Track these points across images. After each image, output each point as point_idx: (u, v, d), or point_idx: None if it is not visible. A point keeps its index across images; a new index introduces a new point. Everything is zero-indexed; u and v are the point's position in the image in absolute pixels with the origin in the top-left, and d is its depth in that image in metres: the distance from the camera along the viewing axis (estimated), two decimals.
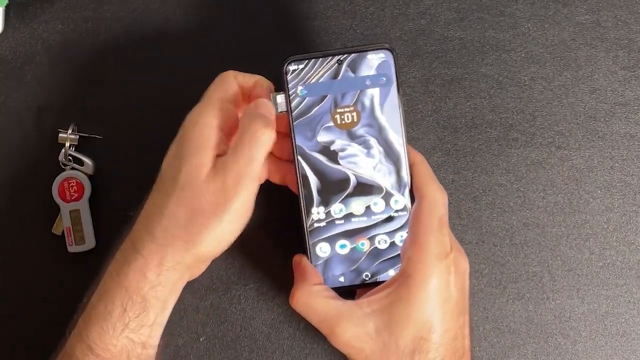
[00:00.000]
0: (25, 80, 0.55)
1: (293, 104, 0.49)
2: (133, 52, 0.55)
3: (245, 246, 0.53)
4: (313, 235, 0.49)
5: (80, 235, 0.52)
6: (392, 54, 0.49)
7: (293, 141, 0.49)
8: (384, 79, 0.49)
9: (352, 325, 0.44)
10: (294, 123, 0.49)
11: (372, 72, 0.49)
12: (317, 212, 0.49)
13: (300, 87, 0.49)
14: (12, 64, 0.55)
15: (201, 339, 0.52)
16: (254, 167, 0.43)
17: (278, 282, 0.53)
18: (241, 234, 0.52)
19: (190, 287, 0.53)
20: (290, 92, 0.49)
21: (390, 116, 0.49)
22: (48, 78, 0.55)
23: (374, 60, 0.49)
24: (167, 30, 0.56)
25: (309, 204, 0.49)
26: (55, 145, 0.53)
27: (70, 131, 0.53)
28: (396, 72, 0.49)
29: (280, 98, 0.48)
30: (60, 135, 0.53)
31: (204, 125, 0.44)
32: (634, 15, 0.56)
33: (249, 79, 0.48)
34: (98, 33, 0.55)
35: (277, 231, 0.53)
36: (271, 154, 0.49)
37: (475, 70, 0.55)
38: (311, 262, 0.49)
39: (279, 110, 0.48)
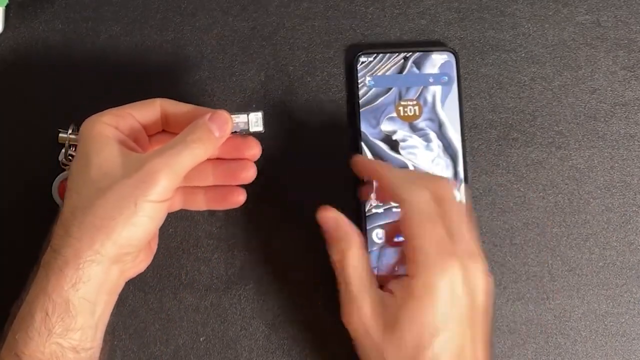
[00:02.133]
0: (26, 80, 0.55)
1: (360, 92, 0.53)
2: (133, 52, 0.55)
3: (245, 246, 0.53)
4: (370, 221, 0.51)
5: None
6: (455, 56, 0.54)
7: (358, 128, 0.53)
8: (446, 78, 0.53)
9: (373, 305, 0.43)
10: (360, 110, 0.53)
11: (436, 70, 0.53)
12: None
13: (368, 78, 0.53)
14: (12, 64, 0.55)
15: (201, 339, 0.52)
16: (177, 170, 0.42)
17: (278, 282, 0.53)
18: (241, 235, 0.52)
19: (190, 287, 0.53)
20: (359, 82, 0.53)
21: (450, 113, 0.53)
22: (48, 78, 0.55)
23: (438, 60, 0.53)
24: (167, 29, 0.56)
25: (369, 189, 0.50)
26: (55, 145, 0.53)
27: (70, 131, 0.53)
28: (458, 73, 0.53)
29: (249, 117, 0.47)
30: (60, 135, 0.53)
31: (101, 122, 0.44)
32: (634, 15, 0.56)
33: (182, 107, 0.47)
34: (98, 33, 0.55)
35: (277, 231, 0.53)
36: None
37: (475, 70, 0.55)
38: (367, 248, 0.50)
39: (240, 129, 0.47)
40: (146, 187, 0.41)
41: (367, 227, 0.51)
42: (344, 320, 0.44)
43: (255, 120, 0.47)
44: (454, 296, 0.41)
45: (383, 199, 0.50)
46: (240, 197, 0.49)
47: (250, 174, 0.49)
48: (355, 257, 0.45)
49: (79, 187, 0.43)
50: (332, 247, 0.46)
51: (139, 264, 0.47)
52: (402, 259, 0.46)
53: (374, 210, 0.51)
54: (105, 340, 0.44)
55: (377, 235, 0.51)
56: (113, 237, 0.41)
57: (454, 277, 0.42)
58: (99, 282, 0.42)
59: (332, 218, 0.46)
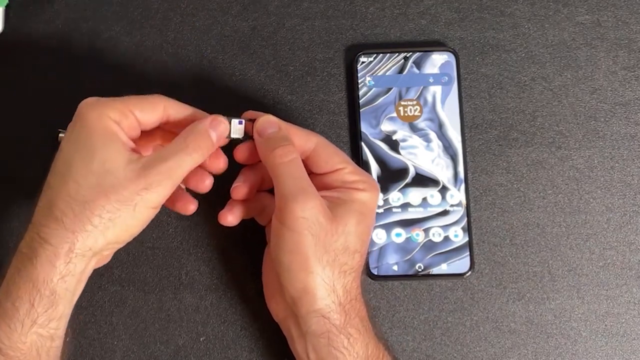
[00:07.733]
0: (25, 80, 0.55)
1: (360, 92, 0.53)
2: (133, 52, 0.55)
3: (245, 246, 0.53)
4: None
5: None
6: (455, 56, 0.54)
7: (358, 128, 0.53)
8: (446, 78, 0.53)
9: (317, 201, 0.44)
10: (360, 110, 0.53)
11: (436, 70, 0.53)
12: None
13: (368, 78, 0.53)
14: (12, 64, 0.55)
15: (201, 339, 0.52)
16: (178, 178, 0.43)
17: None
18: (241, 235, 0.52)
19: (190, 287, 0.53)
20: (359, 82, 0.53)
21: (450, 113, 0.53)
22: (48, 78, 0.55)
23: (438, 60, 0.54)
24: (167, 29, 0.56)
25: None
26: (55, 145, 0.53)
27: None
28: (458, 73, 0.53)
29: (239, 123, 0.47)
30: (60, 135, 0.53)
31: (107, 117, 0.43)
32: (634, 15, 0.56)
33: (183, 110, 0.46)
34: (98, 33, 0.55)
35: None
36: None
37: (475, 70, 0.55)
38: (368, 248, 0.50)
39: (234, 136, 0.47)
40: (148, 194, 0.42)
41: None
42: (291, 211, 0.43)
43: (237, 129, 0.47)
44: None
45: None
46: (191, 207, 0.48)
47: (221, 164, 0.48)
48: (299, 157, 0.46)
49: (78, 177, 0.42)
50: (275, 149, 0.45)
51: (111, 255, 0.47)
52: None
53: None
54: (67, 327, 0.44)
55: (377, 235, 0.52)
56: (106, 235, 0.42)
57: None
58: (81, 273, 0.43)
59: (274, 122, 0.47)
